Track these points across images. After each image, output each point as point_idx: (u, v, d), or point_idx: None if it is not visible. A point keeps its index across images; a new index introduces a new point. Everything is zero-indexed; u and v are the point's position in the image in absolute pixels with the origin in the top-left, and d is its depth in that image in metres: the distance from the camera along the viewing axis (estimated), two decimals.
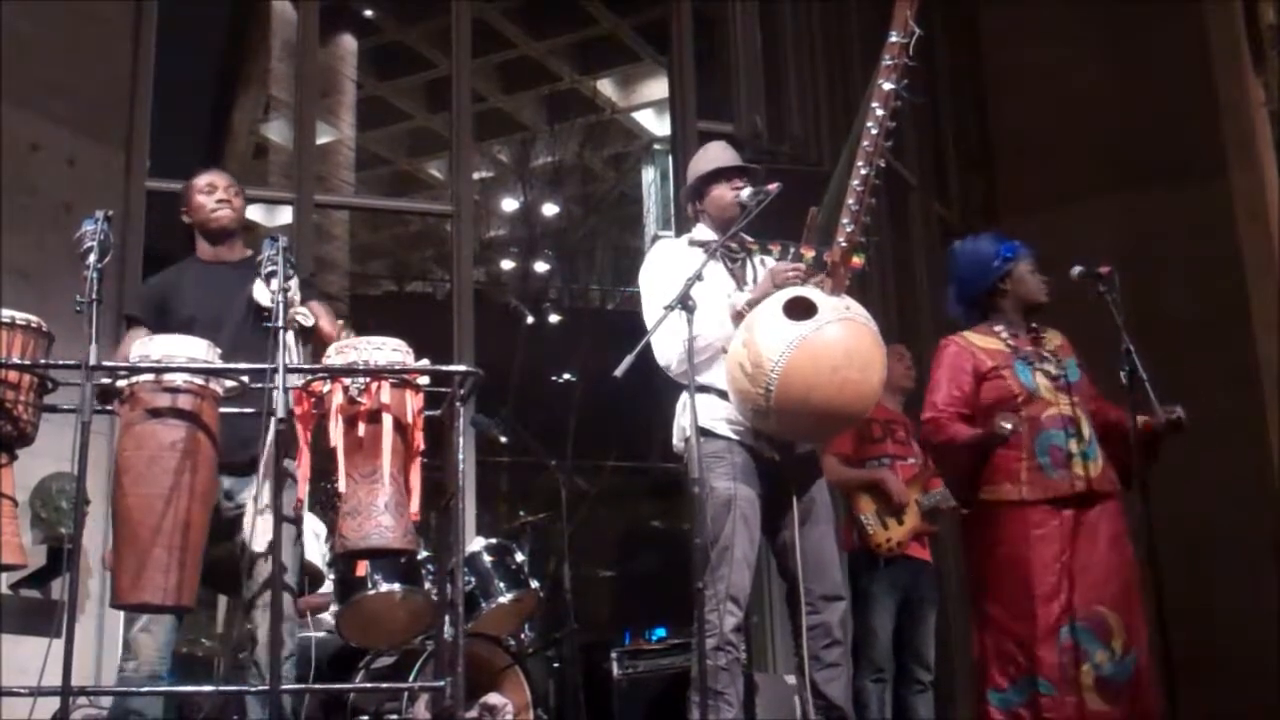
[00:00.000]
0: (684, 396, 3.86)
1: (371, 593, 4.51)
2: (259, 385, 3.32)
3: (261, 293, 3.82)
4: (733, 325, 3.88)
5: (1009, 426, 4.02)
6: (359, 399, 3.34)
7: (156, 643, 3.75)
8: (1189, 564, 4.23)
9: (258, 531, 3.47)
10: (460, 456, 3.56)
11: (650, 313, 3.94)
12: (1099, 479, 4.13)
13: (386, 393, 3.35)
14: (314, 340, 3.89)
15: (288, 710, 3.65)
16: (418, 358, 3.49)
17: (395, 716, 4.41)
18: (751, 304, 3.87)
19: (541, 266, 15.91)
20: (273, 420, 3.29)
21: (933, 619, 5.55)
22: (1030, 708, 4.00)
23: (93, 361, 3.16)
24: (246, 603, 3.76)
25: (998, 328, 4.32)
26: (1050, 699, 3.96)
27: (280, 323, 3.30)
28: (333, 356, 3.48)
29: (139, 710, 3.72)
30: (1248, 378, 7.52)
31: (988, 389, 4.20)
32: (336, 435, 3.32)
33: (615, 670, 5.63)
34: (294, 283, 3.79)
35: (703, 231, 4.16)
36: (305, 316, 3.86)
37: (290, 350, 3.73)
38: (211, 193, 4.12)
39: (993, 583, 4.17)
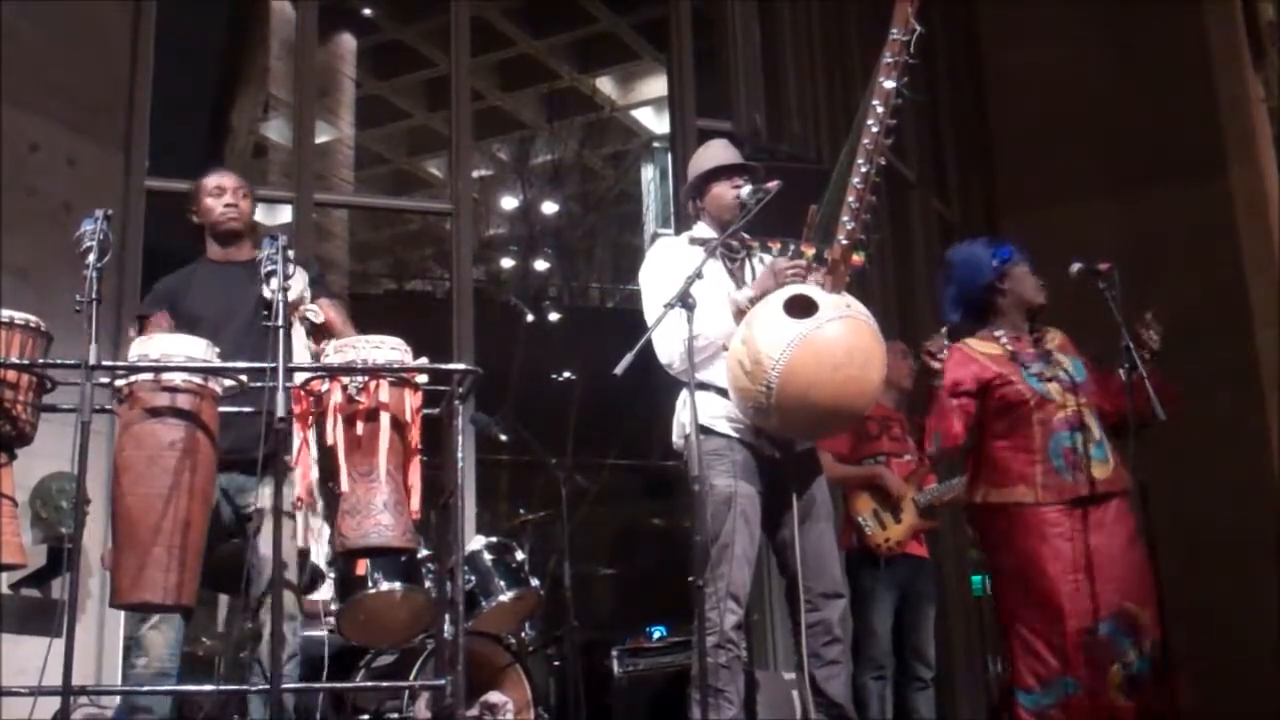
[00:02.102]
0: (684, 394, 3.86)
1: (372, 591, 4.51)
2: (259, 384, 3.32)
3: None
4: (734, 322, 3.87)
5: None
6: (357, 398, 3.33)
7: (166, 640, 3.76)
8: (1189, 564, 4.23)
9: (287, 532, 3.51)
10: (459, 455, 3.56)
11: (650, 311, 3.94)
12: (1110, 479, 4.14)
13: (385, 391, 3.35)
14: (325, 336, 3.89)
15: (290, 709, 3.65)
16: (417, 356, 3.49)
17: (396, 715, 4.40)
18: (753, 300, 3.86)
19: (541, 265, 15.91)
20: (249, 418, 3.30)
21: (932, 616, 5.56)
22: (1062, 709, 4.01)
23: (92, 361, 3.15)
24: (255, 601, 3.75)
25: (998, 333, 4.32)
26: (1079, 700, 3.98)
27: (280, 321, 3.30)
28: (331, 355, 3.48)
29: (147, 707, 3.72)
30: (1248, 376, 7.53)
31: (998, 396, 4.21)
32: (335, 434, 3.31)
33: (616, 668, 5.62)
34: (303, 280, 3.80)
35: (703, 229, 4.15)
36: (315, 313, 3.87)
37: (301, 346, 3.74)
38: (220, 195, 4.15)
39: (1017, 584, 4.16)
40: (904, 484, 5.44)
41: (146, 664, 3.74)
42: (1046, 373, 4.22)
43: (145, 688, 3.73)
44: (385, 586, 4.52)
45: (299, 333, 3.82)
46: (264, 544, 3.70)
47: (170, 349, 3.36)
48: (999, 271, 4.34)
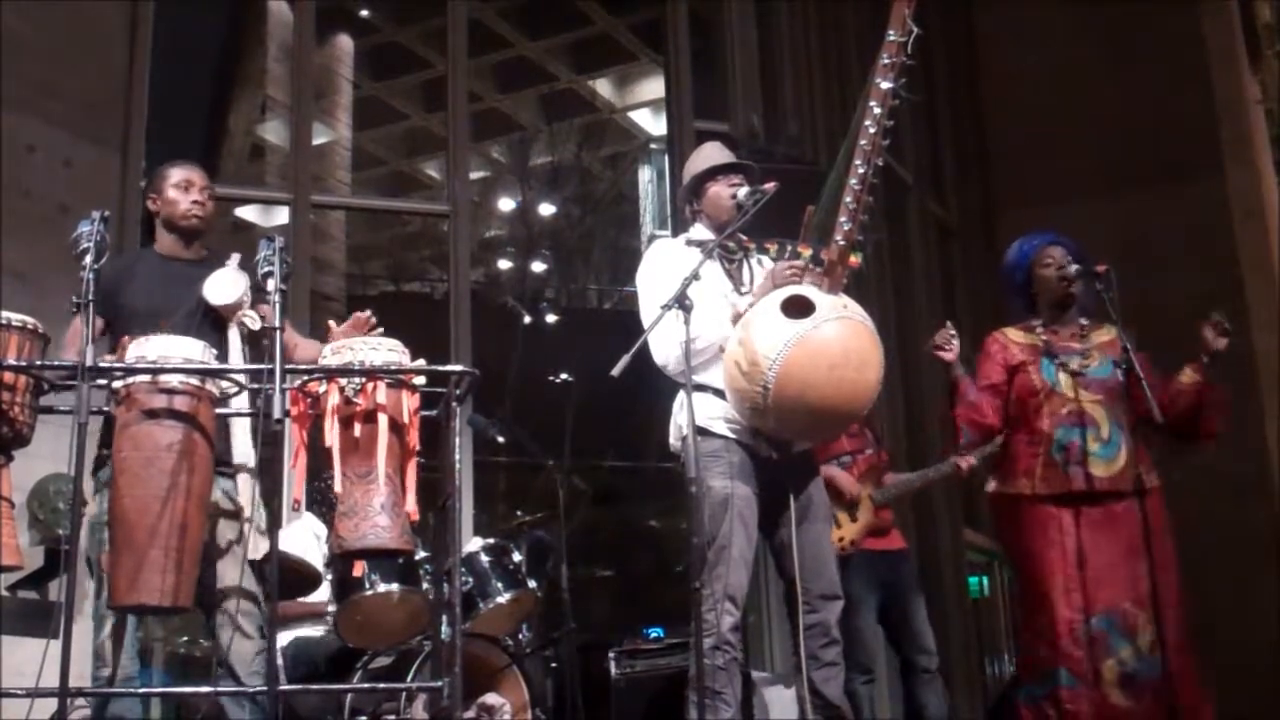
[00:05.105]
0: (680, 395, 3.86)
1: (369, 593, 4.50)
2: (256, 386, 3.32)
3: (212, 291, 3.81)
4: (731, 326, 3.87)
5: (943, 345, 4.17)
6: (355, 399, 3.33)
7: (123, 646, 3.74)
8: (1187, 564, 4.23)
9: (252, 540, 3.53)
10: (457, 457, 3.56)
11: (648, 312, 3.94)
12: (1115, 478, 4.14)
13: (382, 393, 3.34)
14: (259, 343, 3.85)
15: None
16: (414, 358, 3.48)
17: (393, 717, 4.40)
18: None
19: (539, 266, 15.92)
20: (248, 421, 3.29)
21: (922, 605, 5.44)
22: (1051, 700, 4.02)
23: (89, 363, 3.15)
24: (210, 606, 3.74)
25: (1035, 323, 4.41)
26: (1070, 691, 4.00)
27: (278, 324, 3.29)
28: (329, 356, 3.47)
29: (119, 715, 3.70)
30: (1245, 376, 7.53)
31: (1016, 383, 4.28)
32: (332, 436, 3.31)
33: (613, 670, 5.61)
34: (244, 284, 3.79)
35: (700, 231, 4.15)
36: (252, 319, 3.83)
37: (234, 350, 3.74)
38: (187, 190, 4.08)
39: (1019, 576, 4.29)
40: (856, 483, 5.37)
41: (110, 675, 3.70)
42: (1071, 364, 4.24)
43: (140, 690, 3.72)
44: (382, 588, 4.51)
45: (234, 336, 3.81)
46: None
47: (168, 350, 3.35)
48: (1024, 267, 4.41)
